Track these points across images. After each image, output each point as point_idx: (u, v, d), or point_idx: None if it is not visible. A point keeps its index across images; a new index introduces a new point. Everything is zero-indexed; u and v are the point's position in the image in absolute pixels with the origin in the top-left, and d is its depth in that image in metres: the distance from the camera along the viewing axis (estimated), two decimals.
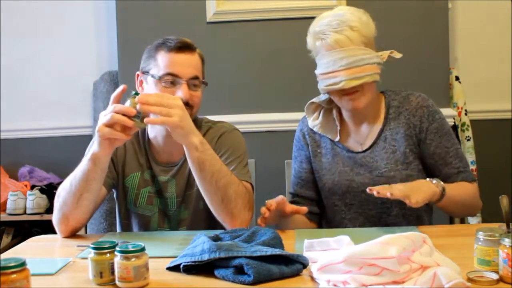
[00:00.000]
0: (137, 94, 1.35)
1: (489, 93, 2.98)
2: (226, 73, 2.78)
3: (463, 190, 1.58)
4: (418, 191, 1.42)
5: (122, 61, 2.78)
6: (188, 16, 2.76)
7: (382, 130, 1.66)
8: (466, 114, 2.83)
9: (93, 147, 1.41)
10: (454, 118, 2.71)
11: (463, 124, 2.82)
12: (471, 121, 2.85)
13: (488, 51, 2.97)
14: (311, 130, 1.76)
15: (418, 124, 1.63)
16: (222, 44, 2.76)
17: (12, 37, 3.12)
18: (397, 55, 1.62)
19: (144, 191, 1.64)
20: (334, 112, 1.72)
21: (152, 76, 1.55)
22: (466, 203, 1.60)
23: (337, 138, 1.69)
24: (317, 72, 1.63)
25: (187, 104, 1.50)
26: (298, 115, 2.72)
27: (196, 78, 1.57)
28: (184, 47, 1.55)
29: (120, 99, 1.38)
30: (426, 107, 1.64)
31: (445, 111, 2.57)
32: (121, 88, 1.37)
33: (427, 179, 1.51)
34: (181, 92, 1.52)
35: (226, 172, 1.46)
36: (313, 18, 1.66)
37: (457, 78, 2.84)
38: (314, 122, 1.74)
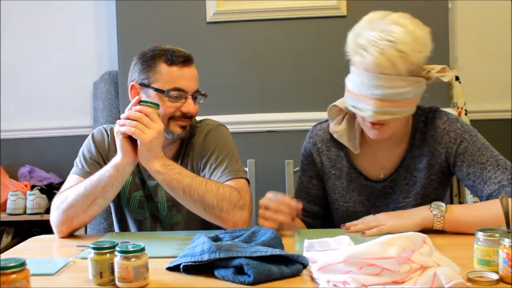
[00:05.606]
0: (145, 102, 1.44)
1: (489, 93, 2.98)
2: (226, 73, 2.78)
3: (488, 210, 1.35)
4: (397, 218, 1.39)
5: (122, 61, 2.78)
6: (188, 16, 2.76)
7: (404, 158, 1.55)
8: (466, 114, 2.83)
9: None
10: None
11: None
12: (471, 121, 2.85)
13: (488, 51, 2.98)
14: (326, 147, 1.63)
15: (444, 151, 1.50)
16: (222, 44, 2.76)
17: (12, 37, 3.12)
18: (446, 78, 1.42)
19: (136, 195, 1.64)
20: (357, 122, 1.56)
21: (157, 90, 1.53)
22: (490, 223, 1.26)
23: (358, 151, 1.56)
24: (347, 84, 1.45)
25: (189, 116, 1.56)
26: (298, 115, 2.75)
27: (198, 91, 1.60)
28: (187, 61, 1.56)
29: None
30: (454, 131, 1.50)
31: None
32: (136, 98, 1.46)
33: (432, 204, 1.39)
34: (187, 106, 1.55)
35: (200, 183, 1.44)
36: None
37: (457, 78, 2.84)
38: (336, 127, 1.57)
